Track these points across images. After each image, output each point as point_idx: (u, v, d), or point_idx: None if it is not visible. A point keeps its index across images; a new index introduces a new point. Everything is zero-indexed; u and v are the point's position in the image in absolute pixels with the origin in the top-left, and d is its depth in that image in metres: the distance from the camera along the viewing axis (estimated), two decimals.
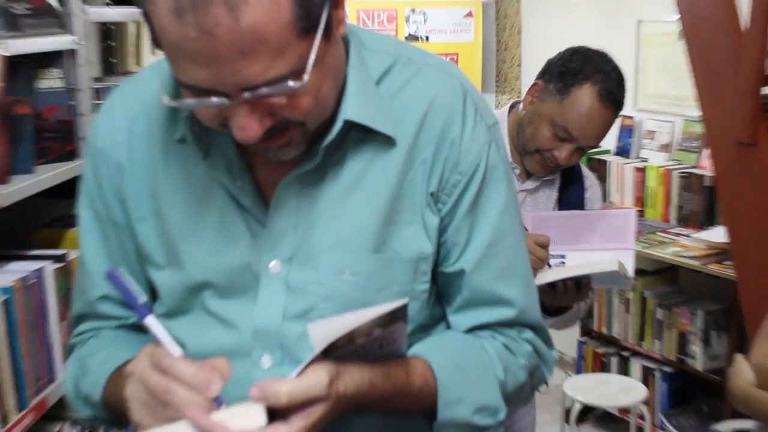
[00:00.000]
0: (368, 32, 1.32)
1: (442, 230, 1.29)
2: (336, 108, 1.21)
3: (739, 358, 1.97)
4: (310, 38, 1.06)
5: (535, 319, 1.36)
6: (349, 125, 1.22)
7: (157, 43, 1.08)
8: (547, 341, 1.39)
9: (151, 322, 1.18)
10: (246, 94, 1.06)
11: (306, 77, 1.07)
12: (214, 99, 1.07)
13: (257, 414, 1.08)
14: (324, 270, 1.24)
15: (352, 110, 1.21)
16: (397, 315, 1.14)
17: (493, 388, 1.28)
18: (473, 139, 1.28)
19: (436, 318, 1.34)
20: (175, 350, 1.14)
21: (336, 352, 1.12)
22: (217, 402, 1.09)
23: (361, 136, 1.24)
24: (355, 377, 1.14)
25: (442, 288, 1.33)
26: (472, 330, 1.32)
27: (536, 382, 1.39)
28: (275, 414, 1.09)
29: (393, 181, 1.25)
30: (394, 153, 1.25)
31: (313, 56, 1.07)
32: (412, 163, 1.26)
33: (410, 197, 1.26)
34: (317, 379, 1.09)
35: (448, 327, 1.35)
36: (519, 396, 1.36)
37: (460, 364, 1.27)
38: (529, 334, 1.34)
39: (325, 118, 1.19)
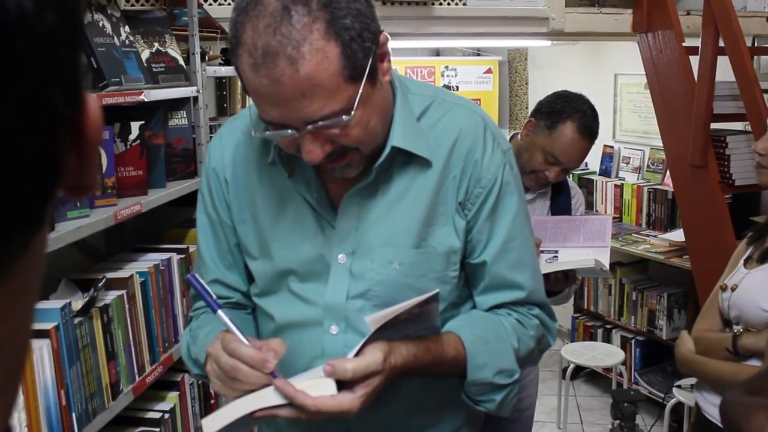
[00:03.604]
0: (412, 80, 1.28)
1: (468, 231, 1.23)
2: (386, 138, 1.16)
3: (683, 333, 1.92)
4: (356, 84, 1.02)
5: (541, 299, 1.30)
6: (396, 150, 1.17)
7: (246, 89, 1.06)
8: (551, 315, 1.32)
9: (221, 314, 1.11)
10: (309, 127, 1.03)
11: (353, 113, 1.03)
12: (287, 131, 1.05)
13: (329, 385, 1.06)
14: (378, 261, 1.20)
15: (398, 139, 1.16)
16: (431, 299, 1.10)
17: (510, 354, 1.22)
18: (491, 161, 1.22)
19: (463, 298, 1.29)
20: (240, 336, 1.09)
21: (385, 330, 1.08)
22: (272, 375, 1.05)
23: (405, 159, 1.19)
24: (402, 352, 1.11)
25: (469, 275, 1.27)
26: (492, 308, 1.26)
27: (543, 347, 1.32)
28: (342, 385, 1.06)
29: (430, 193, 1.20)
30: (430, 172, 1.20)
31: (358, 98, 1.03)
32: (445, 179, 1.21)
33: (443, 205, 1.21)
34: (374, 357, 1.06)
35: (474, 306, 1.29)
36: (529, 359, 1.30)
37: (483, 337, 1.21)
38: (536, 310, 1.29)
39: (377, 145, 1.15)
